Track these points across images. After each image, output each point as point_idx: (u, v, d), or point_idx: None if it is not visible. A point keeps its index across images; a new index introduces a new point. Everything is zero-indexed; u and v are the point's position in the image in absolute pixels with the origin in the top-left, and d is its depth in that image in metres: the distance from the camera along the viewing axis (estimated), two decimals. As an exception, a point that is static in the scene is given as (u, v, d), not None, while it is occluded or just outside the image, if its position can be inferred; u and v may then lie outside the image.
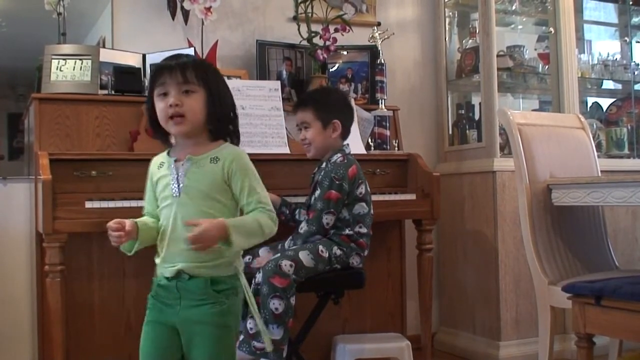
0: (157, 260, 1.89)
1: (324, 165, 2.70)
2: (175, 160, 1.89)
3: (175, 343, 1.86)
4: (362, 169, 2.73)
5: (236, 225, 1.79)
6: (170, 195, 1.87)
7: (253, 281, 2.47)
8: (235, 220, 1.83)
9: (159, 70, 1.88)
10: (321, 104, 2.72)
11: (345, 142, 2.76)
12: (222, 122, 1.93)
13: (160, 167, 1.94)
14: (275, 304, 2.41)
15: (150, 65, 3.05)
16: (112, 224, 1.80)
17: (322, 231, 2.61)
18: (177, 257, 1.85)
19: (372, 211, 2.72)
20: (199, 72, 1.88)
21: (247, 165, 1.90)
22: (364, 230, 2.67)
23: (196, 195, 1.85)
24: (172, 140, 1.97)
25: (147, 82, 3.05)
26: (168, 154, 1.95)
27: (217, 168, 1.87)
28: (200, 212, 1.83)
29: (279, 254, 2.53)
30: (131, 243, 1.86)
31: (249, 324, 2.44)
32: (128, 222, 1.82)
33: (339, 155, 2.68)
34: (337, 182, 2.60)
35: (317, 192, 2.63)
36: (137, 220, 1.89)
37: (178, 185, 1.86)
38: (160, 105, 1.86)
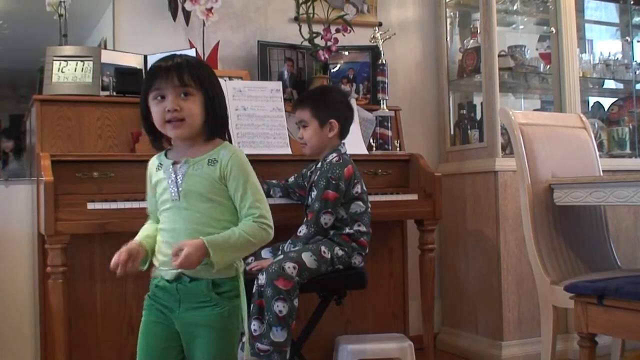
0: (156, 262, 1.87)
1: (319, 164, 2.70)
2: (173, 163, 1.86)
3: (176, 344, 1.85)
4: (364, 169, 2.74)
5: (217, 244, 1.76)
6: (170, 199, 1.84)
7: (256, 283, 2.46)
8: (216, 238, 1.78)
9: (154, 72, 1.83)
10: (319, 103, 2.72)
11: (341, 142, 2.76)
12: (219, 123, 1.89)
13: (158, 168, 1.90)
14: (279, 307, 2.41)
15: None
16: (113, 264, 1.78)
17: (322, 232, 2.61)
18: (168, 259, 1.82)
19: (369, 209, 2.72)
20: (195, 74, 1.83)
21: (243, 166, 1.86)
22: (363, 228, 2.67)
23: (195, 198, 1.83)
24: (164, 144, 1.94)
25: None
26: (165, 155, 1.92)
27: (215, 169, 1.84)
28: (197, 214, 1.82)
29: (281, 256, 2.53)
30: (142, 262, 1.87)
31: (253, 325, 2.44)
32: (123, 253, 1.79)
33: (334, 155, 2.68)
34: (333, 182, 2.60)
35: (314, 193, 2.63)
36: (139, 238, 1.88)
37: (177, 189, 1.83)
38: (156, 109, 1.82)
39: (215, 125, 1.88)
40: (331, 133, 2.71)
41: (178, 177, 1.84)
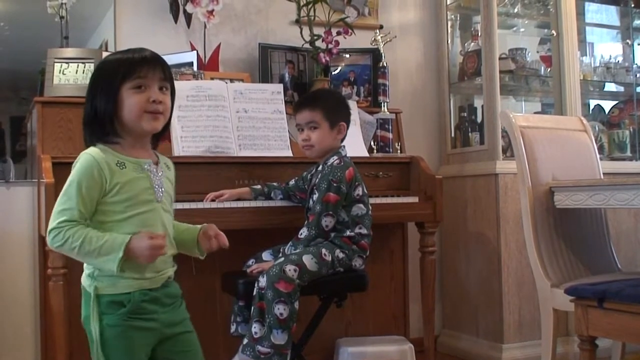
0: (133, 274, 1.72)
1: (320, 167, 2.70)
2: (154, 163, 1.81)
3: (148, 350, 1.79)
4: (365, 171, 2.74)
5: None
6: (153, 199, 1.76)
7: (257, 285, 2.46)
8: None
9: (137, 61, 1.76)
10: (331, 105, 2.72)
11: (342, 144, 2.76)
12: (168, 125, 1.87)
13: (121, 167, 1.74)
14: (280, 309, 2.41)
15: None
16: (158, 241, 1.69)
17: (323, 234, 2.61)
18: (166, 263, 1.80)
19: (370, 212, 2.72)
20: (169, 71, 1.83)
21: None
22: (364, 231, 2.67)
23: (167, 200, 1.83)
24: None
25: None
26: (114, 152, 1.76)
27: (171, 175, 1.88)
28: (170, 215, 1.85)
29: (282, 259, 2.53)
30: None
31: (254, 327, 2.44)
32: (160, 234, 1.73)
33: (335, 157, 2.68)
34: (335, 185, 2.60)
35: (315, 195, 2.63)
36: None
37: (161, 189, 1.79)
38: (136, 98, 1.74)
39: (167, 127, 1.86)
40: (339, 136, 2.71)
41: (160, 177, 1.80)
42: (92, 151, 1.75)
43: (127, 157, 1.76)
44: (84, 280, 1.79)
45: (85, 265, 1.78)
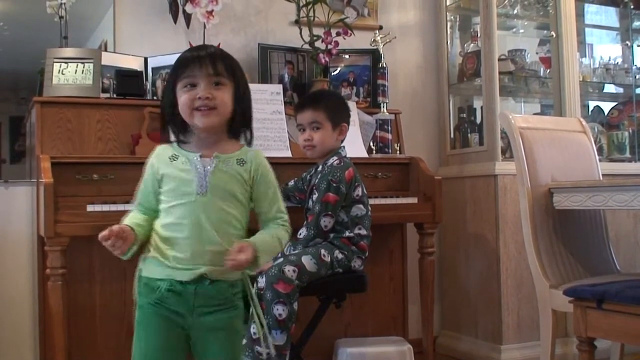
0: (166, 262, 1.77)
1: (320, 167, 2.70)
2: (201, 156, 1.81)
3: (181, 352, 1.80)
4: (364, 172, 2.74)
5: (263, 248, 1.78)
6: (192, 192, 1.78)
7: (255, 286, 2.46)
8: (261, 242, 1.79)
9: (186, 60, 1.80)
10: (334, 106, 2.72)
11: (342, 145, 2.76)
12: (246, 120, 1.88)
13: (173, 159, 1.82)
14: (279, 310, 2.41)
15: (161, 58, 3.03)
16: (103, 234, 1.69)
17: (321, 234, 2.61)
18: (200, 259, 1.76)
19: (369, 213, 2.72)
20: (228, 65, 1.83)
21: (270, 172, 1.91)
22: (363, 232, 2.67)
23: (220, 195, 1.79)
24: (173, 137, 1.88)
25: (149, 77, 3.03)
26: (179, 147, 1.85)
27: (243, 170, 1.84)
28: (221, 211, 1.79)
29: (281, 259, 2.53)
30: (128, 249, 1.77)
31: (252, 328, 2.44)
32: (116, 227, 1.71)
33: (335, 158, 2.68)
34: (334, 185, 2.60)
35: (315, 196, 2.63)
36: (130, 223, 1.79)
37: (205, 182, 1.78)
38: (185, 97, 1.78)
39: (243, 122, 1.87)
40: (340, 136, 2.71)
41: (207, 171, 1.80)
42: (160, 146, 1.88)
43: (184, 151, 1.83)
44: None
45: None
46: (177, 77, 1.81)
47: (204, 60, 1.79)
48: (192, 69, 1.78)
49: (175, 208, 1.79)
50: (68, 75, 2.92)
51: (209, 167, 1.80)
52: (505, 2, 3.76)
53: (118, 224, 1.75)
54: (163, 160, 1.83)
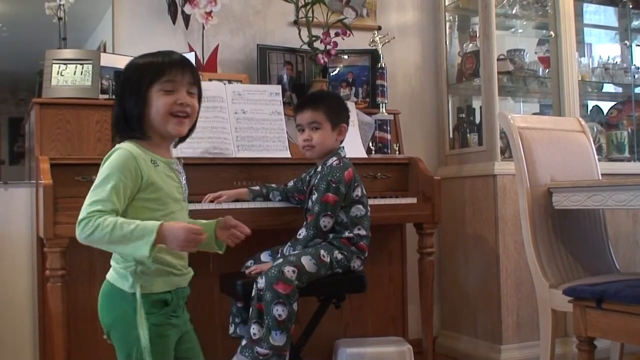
0: (174, 271, 1.78)
1: (319, 168, 2.70)
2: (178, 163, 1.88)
3: None
4: (363, 173, 2.74)
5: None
6: (180, 198, 1.83)
7: (255, 287, 2.46)
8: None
9: (167, 65, 1.80)
10: (333, 106, 2.72)
11: (341, 145, 2.76)
12: (193, 129, 1.91)
13: (155, 165, 1.78)
14: (279, 311, 2.41)
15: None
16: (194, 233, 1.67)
17: (321, 235, 2.61)
18: (187, 262, 1.87)
19: (369, 213, 2.72)
20: (197, 75, 1.88)
21: None
22: (363, 232, 2.67)
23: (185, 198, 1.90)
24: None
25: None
26: (145, 149, 1.80)
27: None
28: (188, 213, 1.91)
29: (281, 260, 2.53)
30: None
31: (252, 329, 2.44)
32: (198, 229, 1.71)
33: (334, 158, 2.68)
34: (334, 185, 2.60)
35: (314, 196, 2.63)
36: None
37: (185, 188, 1.87)
38: (163, 100, 1.78)
39: (192, 130, 1.90)
40: (340, 137, 2.71)
41: (183, 177, 1.88)
42: (127, 146, 1.76)
43: (155, 155, 1.80)
44: (117, 281, 1.76)
45: (119, 265, 1.75)
46: (153, 80, 1.79)
47: (186, 66, 1.82)
48: (174, 74, 1.79)
49: (166, 217, 1.75)
50: (67, 76, 2.92)
51: (181, 173, 1.87)
52: (504, 2, 3.76)
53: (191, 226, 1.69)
54: (147, 164, 1.76)
